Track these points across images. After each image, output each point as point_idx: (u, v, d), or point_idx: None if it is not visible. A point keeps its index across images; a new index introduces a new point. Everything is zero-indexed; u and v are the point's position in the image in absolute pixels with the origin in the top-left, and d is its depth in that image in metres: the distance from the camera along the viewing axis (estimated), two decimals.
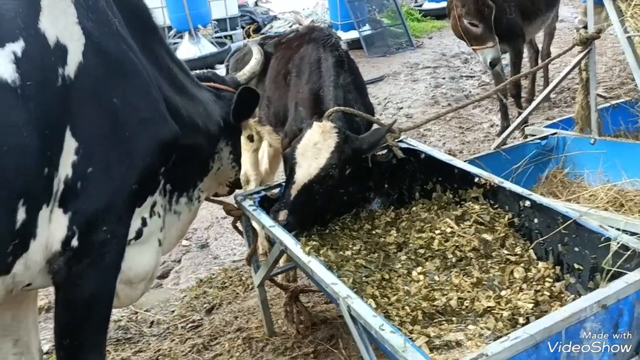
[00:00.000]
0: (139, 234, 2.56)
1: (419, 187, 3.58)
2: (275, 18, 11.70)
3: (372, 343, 2.43)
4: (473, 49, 5.98)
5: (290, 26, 11.04)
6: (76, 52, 2.16)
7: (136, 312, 4.22)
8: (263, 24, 11.43)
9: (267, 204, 3.27)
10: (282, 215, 2.97)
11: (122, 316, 4.17)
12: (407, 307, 2.69)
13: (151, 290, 4.51)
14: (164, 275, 4.77)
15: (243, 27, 11.32)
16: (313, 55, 3.41)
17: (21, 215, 2.00)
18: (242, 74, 3.40)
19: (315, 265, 2.64)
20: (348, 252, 3.12)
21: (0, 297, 2.11)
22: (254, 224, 3.36)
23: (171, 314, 4.21)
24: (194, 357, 3.62)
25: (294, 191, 3.03)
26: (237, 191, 3.47)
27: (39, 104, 2.01)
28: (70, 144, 2.14)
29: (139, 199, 2.50)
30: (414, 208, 3.47)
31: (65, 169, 2.14)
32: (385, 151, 3.43)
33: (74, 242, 2.22)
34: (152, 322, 4.11)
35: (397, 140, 3.37)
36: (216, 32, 10.73)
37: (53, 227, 2.17)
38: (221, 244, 5.21)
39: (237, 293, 4.31)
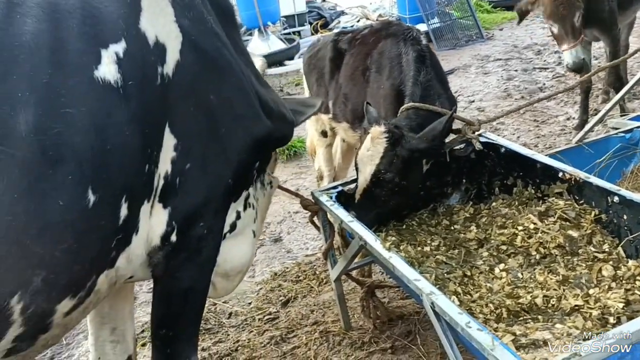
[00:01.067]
0: (233, 227, 2.62)
1: (498, 182, 3.51)
2: (342, 13, 11.70)
3: (457, 340, 2.41)
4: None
5: (358, 21, 11.01)
6: (174, 51, 2.20)
7: (215, 304, 4.33)
8: (330, 20, 11.45)
9: (344, 199, 3.29)
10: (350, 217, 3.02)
11: None
12: (490, 305, 2.64)
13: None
14: None
15: (311, 23, 11.37)
16: (393, 50, 3.38)
17: (124, 211, 2.05)
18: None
19: (397, 261, 2.63)
20: (427, 248, 3.09)
21: (105, 289, 2.17)
22: (331, 219, 3.38)
23: (248, 306, 4.30)
24: (272, 348, 3.68)
25: (357, 195, 3.13)
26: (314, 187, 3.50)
27: (139, 103, 2.05)
28: (169, 141, 2.19)
29: (234, 193, 2.56)
30: (494, 203, 3.40)
31: (164, 166, 2.20)
32: (463, 145, 3.38)
33: (173, 237, 2.29)
34: (230, 314, 4.21)
35: (476, 133, 3.31)
36: (285, 28, 10.84)
37: (153, 222, 2.23)
38: (294, 238, 5.27)
39: (312, 287, 4.36)
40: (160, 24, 2.18)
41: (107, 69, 1.98)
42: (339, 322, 3.74)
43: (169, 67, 2.17)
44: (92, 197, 1.91)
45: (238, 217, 2.63)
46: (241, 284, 4.62)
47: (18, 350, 1.93)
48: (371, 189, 3.04)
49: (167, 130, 2.18)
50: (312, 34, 10.81)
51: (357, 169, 3.15)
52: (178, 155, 2.21)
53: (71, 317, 2.05)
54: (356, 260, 3.62)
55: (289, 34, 10.73)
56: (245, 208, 2.68)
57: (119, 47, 2.03)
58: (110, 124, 1.96)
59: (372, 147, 3.00)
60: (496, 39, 10.96)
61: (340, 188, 3.32)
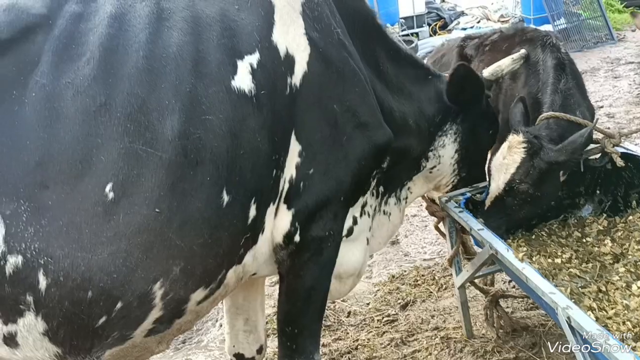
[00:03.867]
0: (350, 232, 2.72)
1: (636, 195, 3.34)
2: (462, 14, 11.50)
3: (592, 357, 2.35)
4: None
5: (478, 22, 10.78)
6: (302, 62, 2.33)
7: (334, 302, 4.44)
8: (450, 21, 11.30)
9: (472, 206, 3.28)
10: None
11: None
12: (628, 322, 2.54)
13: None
14: None
15: (429, 24, 11.29)
16: (530, 57, 3.32)
17: (253, 212, 2.22)
18: (490, 69, 3.23)
19: (531, 273, 2.60)
20: (558, 260, 3.01)
21: (232, 284, 2.35)
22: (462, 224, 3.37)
23: (366, 307, 4.37)
24: (392, 350, 3.74)
25: (488, 202, 3.08)
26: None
27: (270, 112, 2.21)
28: (294, 147, 2.33)
29: (352, 199, 2.65)
30: (630, 217, 3.25)
31: (290, 170, 2.34)
32: (599, 155, 3.25)
33: (297, 237, 2.43)
34: (349, 313, 4.31)
35: (616, 146, 3.17)
36: (403, 30, 10.82)
37: (278, 222, 2.39)
38: (411, 241, 5.28)
39: (431, 292, 4.36)
40: (290, 36, 2.32)
41: (243, 79, 2.14)
42: (460, 329, 3.73)
43: (297, 78, 2.31)
44: (226, 198, 2.09)
45: (355, 222, 2.74)
46: (359, 284, 4.75)
47: (157, 331, 2.15)
48: (503, 197, 3.01)
49: (293, 137, 2.32)
50: (431, 35, 10.71)
51: (489, 175, 3.12)
52: (303, 161, 2.35)
53: (202, 305, 2.25)
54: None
55: (407, 35, 10.70)
56: (361, 214, 2.78)
57: (253, 59, 2.19)
58: (244, 130, 2.13)
59: (509, 156, 2.96)
60: (628, 40, 10.34)
61: (468, 194, 3.31)
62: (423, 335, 3.81)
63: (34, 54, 1.88)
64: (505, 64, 3.18)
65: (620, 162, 3.08)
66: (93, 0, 2.05)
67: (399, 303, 4.29)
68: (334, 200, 2.49)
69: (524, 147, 2.93)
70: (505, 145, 3.03)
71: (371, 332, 4.02)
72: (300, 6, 2.39)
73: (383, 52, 2.80)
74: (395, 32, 10.65)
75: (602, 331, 2.20)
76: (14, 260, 1.77)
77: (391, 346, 3.77)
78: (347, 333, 4.08)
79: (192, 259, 2.05)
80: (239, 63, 2.16)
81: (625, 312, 2.63)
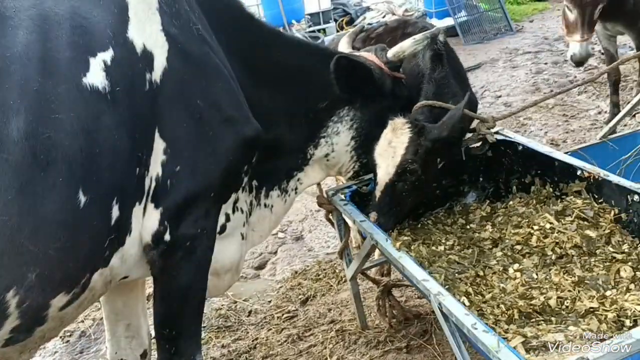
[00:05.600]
0: (222, 229, 2.68)
1: (516, 181, 3.45)
2: (368, 9, 11.63)
3: (465, 341, 2.39)
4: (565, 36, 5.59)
5: (383, 17, 10.93)
6: (161, 58, 2.29)
7: (235, 302, 4.38)
8: (356, 16, 11.39)
9: (358, 199, 3.28)
10: (373, 217, 2.95)
11: (222, 305, 4.34)
12: (502, 306, 2.60)
13: (249, 281, 4.68)
14: (261, 266, 4.92)
15: (336, 20, 11.34)
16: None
17: (115, 212, 2.14)
18: (392, 50, 3.19)
19: (406, 261, 2.62)
20: (441, 248, 3.06)
21: (100, 287, 2.27)
22: (346, 218, 3.38)
23: (268, 304, 4.33)
24: (289, 346, 3.71)
25: (378, 192, 3.03)
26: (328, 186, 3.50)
27: (128, 108, 2.15)
28: (159, 145, 2.27)
29: (224, 195, 2.61)
30: (510, 202, 3.35)
31: (155, 168, 2.28)
32: (479, 143, 3.33)
33: (166, 236, 2.36)
34: (250, 312, 4.26)
35: (491, 130, 3.25)
36: (309, 26, 10.83)
37: (146, 222, 2.31)
38: (315, 236, 5.29)
39: (331, 285, 4.37)
40: (147, 33, 2.27)
41: (95, 77, 2.07)
42: (355, 321, 3.74)
43: (156, 74, 2.26)
44: (82, 198, 2.01)
45: (227, 219, 2.70)
46: (262, 283, 4.72)
47: (15, 340, 2.04)
48: (394, 183, 2.96)
49: (156, 134, 2.26)
50: (338, 32, 10.77)
51: (373, 166, 3.07)
52: (168, 158, 2.30)
53: (66, 311, 2.15)
54: (376, 258, 3.62)
55: (313, 31, 10.71)
56: (234, 211, 2.73)
57: (107, 55, 2.13)
58: (99, 128, 2.06)
59: (395, 138, 2.94)
60: (526, 31, 10.78)
61: (354, 187, 3.31)
62: (319, 330, 3.81)
63: None
64: (407, 45, 3.17)
65: (492, 139, 3.16)
66: None
67: (300, 298, 4.28)
68: (204, 197, 2.44)
69: (408, 128, 2.94)
70: (388, 130, 3.00)
71: (271, 329, 3.98)
72: (157, 2, 2.34)
73: (252, 42, 2.75)
74: (302, 28, 10.65)
75: (469, 315, 2.23)
76: None
77: (288, 342, 3.74)
78: (247, 332, 4.03)
79: (49, 264, 1.96)
80: (92, 60, 2.09)
81: (502, 295, 2.70)
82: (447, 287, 2.55)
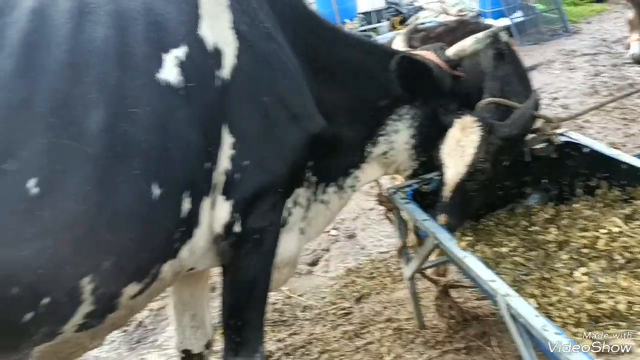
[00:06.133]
0: (284, 223, 2.72)
1: (581, 183, 3.39)
2: (420, 9, 11.56)
3: (533, 343, 2.37)
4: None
5: (436, 17, 10.84)
6: (230, 55, 2.34)
7: (290, 297, 4.44)
8: (408, 16, 11.34)
9: (420, 197, 3.28)
10: (442, 218, 2.92)
11: (277, 299, 4.40)
12: (569, 309, 2.57)
13: (303, 277, 4.73)
14: (314, 263, 4.96)
15: (388, 20, 11.31)
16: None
17: (186, 205, 2.20)
18: (453, 49, 3.15)
19: (472, 261, 2.61)
20: (504, 249, 3.04)
21: (169, 278, 2.33)
22: (407, 217, 3.38)
23: (322, 300, 4.36)
24: (345, 343, 3.73)
25: (447, 193, 2.98)
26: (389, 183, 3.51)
27: (199, 104, 2.20)
28: (227, 140, 2.33)
29: (289, 190, 2.66)
30: (575, 205, 3.29)
31: (224, 163, 2.33)
32: (544, 144, 3.29)
33: (237, 228, 2.42)
34: (305, 307, 4.30)
35: (556, 131, 3.20)
36: (362, 25, 10.84)
37: (216, 214, 2.37)
38: (368, 235, 5.30)
39: (385, 284, 4.37)
40: (217, 30, 2.32)
41: (169, 72, 2.14)
42: (412, 320, 3.74)
43: (226, 71, 2.31)
44: (156, 191, 2.07)
45: (289, 213, 2.74)
46: (316, 279, 4.76)
47: (88, 326, 2.12)
48: (464, 182, 2.91)
49: (225, 130, 2.32)
50: (390, 31, 10.74)
51: (441, 165, 3.01)
52: (236, 153, 2.35)
53: (136, 300, 2.22)
54: (432, 258, 3.61)
55: (366, 30, 10.71)
56: (294, 205, 2.78)
57: (180, 52, 2.19)
58: (172, 123, 2.12)
59: (464, 137, 2.90)
60: (583, 32, 10.53)
61: (415, 186, 3.31)
62: (376, 327, 3.82)
63: None
64: (468, 43, 3.12)
65: (557, 140, 3.11)
66: None
67: (354, 296, 4.29)
68: (271, 191, 2.49)
69: (478, 126, 2.90)
70: (456, 129, 2.96)
71: (326, 325, 4.01)
72: (227, 0, 2.40)
73: (316, 40, 2.78)
74: (354, 27, 10.67)
75: (540, 317, 2.22)
76: None
77: (344, 339, 3.76)
78: (302, 327, 4.07)
79: (123, 254, 2.03)
80: (165, 56, 2.15)
81: (569, 298, 2.66)
82: (514, 288, 2.53)
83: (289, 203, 2.68)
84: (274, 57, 2.48)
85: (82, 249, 1.93)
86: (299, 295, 4.46)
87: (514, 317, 2.33)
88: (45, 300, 1.89)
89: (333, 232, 5.37)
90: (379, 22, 11.13)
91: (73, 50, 1.96)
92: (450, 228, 2.90)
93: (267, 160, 2.43)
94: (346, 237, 5.28)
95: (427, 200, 3.24)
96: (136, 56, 2.07)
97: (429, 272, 3.79)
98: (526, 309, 2.27)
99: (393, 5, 11.58)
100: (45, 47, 1.93)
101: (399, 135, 3.09)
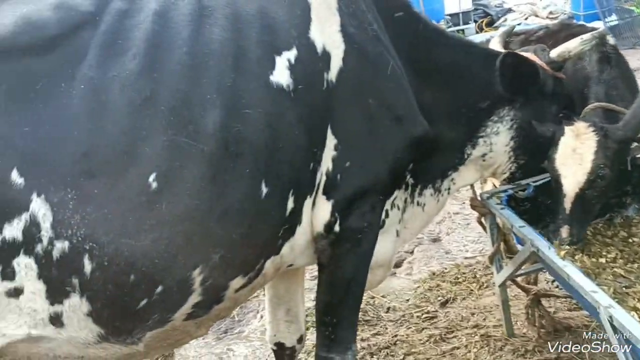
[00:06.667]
0: (382, 224, 2.74)
1: None
2: (509, 10, 11.30)
3: (636, 357, 2.29)
4: None
5: (526, 19, 10.58)
6: (338, 58, 2.38)
7: (373, 297, 4.46)
8: (497, 17, 11.11)
9: (515, 203, 3.23)
10: (565, 231, 2.80)
11: None
12: None
13: (386, 278, 4.74)
14: (397, 265, 4.96)
15: (476, 21, 11.12)
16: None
17: (290, 204, 2.27)
18: (556, 50, 3.05)
19: (572, 271, 2.55)
20: (602, 260, 2.94)
21: (270, 273, 2.42)
22: (502, 223, 3.34)
23: (406, 303, 4.37)
24: (431, 346, 3.73)
25: (567, 204, 2.84)
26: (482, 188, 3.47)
27: (307, 106, 2.27)
28: (331, 141, 2.37)
29: (389, 191, 2.68)
30: None
31: (326, 163, 2.39)
32: None
33: (336, 227, 2.47)
34: (388, 308, 4.31)
35: None
36: (449, 27, 10.71)
37: (317, 213, 2.43)
38: (453, 239, 5.25)
39: (472, 290, 4.33)
40: (327, 33, 2.37)
41: (281, 75, 2.21)
42: (501, 327, 3.69)
43: (333, 74, 2.36)
44: (264, 189, 2.15)
45: (386, 215, 2.76)
46: (399, 281, 4.77)
47: (196, 316, 2.23)
48: (584, 191, 2.80)
49: (329, 131, 2.36)
50: (477, 33, 10.56)
51: (556, 176, 2.88)
52: (339, 154, 2.39)
53: (241, 293, 2.32)
54: (523, 266, 3.54)
55: (452, 32, 10.58)
56: (392, 207, 2.79)
57: (291, 55, 2.25)
58: (282, 124, 2.19)
59: (580, 144, 2.79)
60: None
61: (510, 192, 3.26)
62: (462, 333, 3.79)
63: (82, 49, 1.96)
64: (573, 45, 3.02)
65: None
66: None
67: (439, 300, 4.28)
68: (371, 192, 2.53)
69: (593, 131, 2.78)
70: (569, 137, 2.85)
71: (410, 328, 4.02)
72: (336, 3, 2.44)
73: (419, 41, 2.78)
74: None
75: None
76: (60, 246, 1.86)
77: (430, 342, 3.76)
78: (386, 328, 4.09)
79: (231, 248, 2.12)
80: (278, 59, 2.23)
81: None
82: (615, 300, 2.46)
83: (387, 205, 2.71)
84: (380, 59, 2.50)
85: (194, 242, 2.03)
86: (382, 297, 4.48)
87: (616, 330, 2.26)
88: (159, 289, 2.02)
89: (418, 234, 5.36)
90: (466, 23, 10.98)
91: (192, 52, 2.07)
92: (575, 241, 2.80)
93: (369, 161, 2.47)
94: (430, 241, 5.26)
95: (521, 206, 3.19)
96: (250, 58, 2.16)
97: (519, 279, 3.72)
98: (630, 322, 2.20)
99: (481, 7, 11.38)
100: (167, 49, 2.04)
101: (499, 137, 3.04)
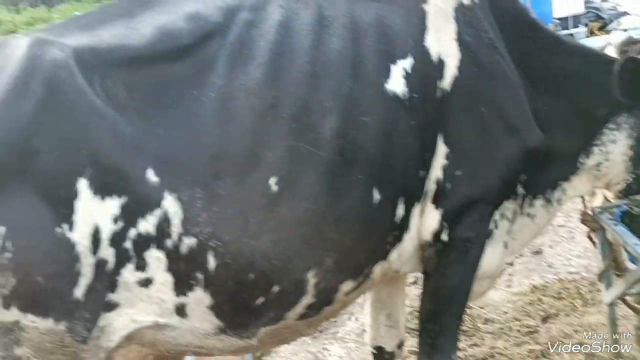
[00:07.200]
0: (490, 235, 2.71)
1: None
2: (624, 14, 10.70)
3: None
4: None
5: None
6: (452, 67, 2.38)
7: (470, 307, 4.40)
8: (609, 21, 10.57)
9: (629, 220, 3.10)
10: None
11: None
12: None
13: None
14: None
15: (586, 25, 10.63)
16: None
17: (400, 211, 2.32)
18: None
19: None
20: None
21: (377, 278, 2.47)
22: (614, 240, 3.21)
23: (504, 315, 4.29)
24: None
25: None
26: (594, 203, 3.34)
27: (420, 115, 2.29)
28: (442, 149, 2.38)
29: (498, 202, 2.64)
30: None
31: (436, 172, 2.40)
32: None
33: (444, 236, 2.47)
34: (486, 320, 4.26)
35: None
36: (557, 31, 10.31)
37: (425, 221, 2.45)
38: (556, 252, 5.09)
39: (575, 306, 4.19)
40: (442, 41, 2.38)
41: (396, 83, 2.25)
42: (606, 347, 3.54)
43: (447, 82, 2.37)
44: (377, 196, 2.21)
45: (495, 225, 2.71)
46: (497, 292, 4.67)
47: (307, 316, 2.30)
48: None
49: (440, 139, 2.37)
50: (587, 37, 10.10)
51: None
52: (450, 163, 2.39)
53: (350, 296, 2.39)
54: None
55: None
56: (501, 218, 2.74)
57: (407, 63, 2.29)
58: (396, 132, 2.23)
59: None
60: None
61: (624, 207, 3.13)
62: (566, 351, 3.67)
63: (211, 57, 2.08)
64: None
65: None
66: (263, 10, 2.23)
67: (540, 314, 4.17)
68: (481, 202, 2.52)
69: None
70: None
71: (509, 341, 3.95)
72: (453, 11, 2.45)
73: (535, 48, 2.73)
74: None
75: None
76: (188, 242, 1.99)
77: (530, 357, 3.68)
78: (484, 340, 4.04)
79: (343, 252, 2.19)
80: (393, 67, 2.28)
81: None
82: None
83: (496, 215, 2.68)
84: (495, 67, 2.49)
85: (309, 245, 2.12)
86: (480, 307, 4.41)
87: None
88: (276, 288, 2.12)
89: None
90: (575, 27, 10.52)
91: (313, 60, 2.16)
92: None
93: (480, 171, 2.46)
94: (532, 253, 5.12)
95: (636, 223, 3.06)
96: (367, 67, 2.22)
97: (630, 299, 3.56)
98: None
99: (593, 10, 10.86)
100: (289, 58, 2.14)
101: (616, 146, 2.91)
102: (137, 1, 2.22)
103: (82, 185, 1.87)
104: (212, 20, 2.15)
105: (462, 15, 2.46)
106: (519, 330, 4.04)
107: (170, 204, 1.96)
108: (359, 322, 4.53)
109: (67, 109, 1.86)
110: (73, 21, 2.19)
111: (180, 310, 2.08)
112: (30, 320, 1.87)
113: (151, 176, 1.94)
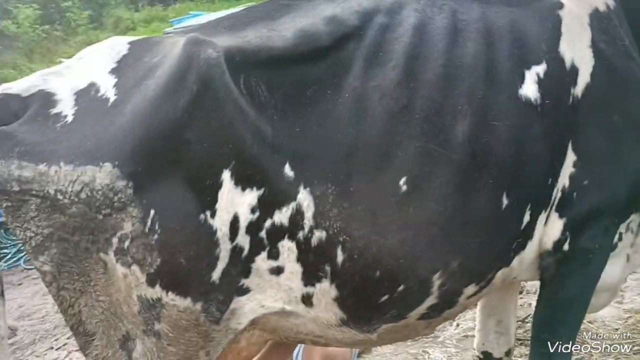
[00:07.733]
0: (614, 247, 2.63)
1: None
2: None
3: None
4: None
5: None
6: (585, 73, 2.34)
7: None
8: None
9: None
10: None
11: None
12: None
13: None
14: None
15: None
16: None
17: (526, 217, 2.29)
18: None
19: None
20: None
21: (497, 284, 2.45)
22: None
23: (614, 332, 4.12)
24: None
25: None
26: None
27: (552, 121, 2.26)
28: (570, 157, 2.34)
29: (624, 214, 2.56)
30: None
31: (563, 180, 2.35)
32: None
33: (565, 246, 2.42)
34: (594, 335, 4.10)
35: None
36: None
37: (548, 229, 2.41)
38: None
39: None
40: (576, 48, 2.34)
41: (529, 89, 2.23)
42: None
43: (579, 89, 2.32)
44: (505, 201, 2.19)
45: (620, 238, 2.63)
46: (607, 308, 4.46)
47: (428, 317, 2.34)
48: None
49: (569, 147, 2.33)
50: None
51: None
52: (577, 172, 2.35)
53: (470, 300, 2.38)
54: None
55: None
56: (626, 230, 2.65)
57: (540, 69, 2.27)
58: (527, 138, 2.21)
59: None
60: None
61: None
62: None
63: (347, 59, 2.16)
64: None
65: None
66: (398, 13, 2.29)
67: None
68: (606, 214, 2.45)
69: None
70: None
71: (619, 359, 3.78)
72: (588, 17, 2.41)
73: None
74: None
75: None
76: (319, 235, 2.07)
77: None
78: (592, 356, 3.90)
79: (469, 256, 2.20)
80: (527, 73, 2.26)
81: None
82: None
83: (621, 227, 2.61)
84: (629, 75, 2.42)
85: (436, 246, 2.14)
86: (589, 322, 4.26)
87: None
88: (401, 287, 2.16)
89: None
90: None
91: (447, 64, 2.18)
92: None
93: (608, 181, 2.40)
94: None
95: None
96: (500, 71, 2.22)
97: None
98: None
99: None
100: (423, 61, 2.18)
101: None
102: (277, 4, 2.33)
103: (226, 176, 1.98)
104: (349, 23, 2.22)
105: (597, 21, 2.42)
106: (630, 349, 3.86)
107: (304, 198, 2.05)
108: (460, 327, 4.51)
109: (217, 105, 1.97)
110: (219, 22, 2.32)
111: (307, 300, 2.17)
112: (170, 298, 2.00)
113: (288, 171, 2.04)
